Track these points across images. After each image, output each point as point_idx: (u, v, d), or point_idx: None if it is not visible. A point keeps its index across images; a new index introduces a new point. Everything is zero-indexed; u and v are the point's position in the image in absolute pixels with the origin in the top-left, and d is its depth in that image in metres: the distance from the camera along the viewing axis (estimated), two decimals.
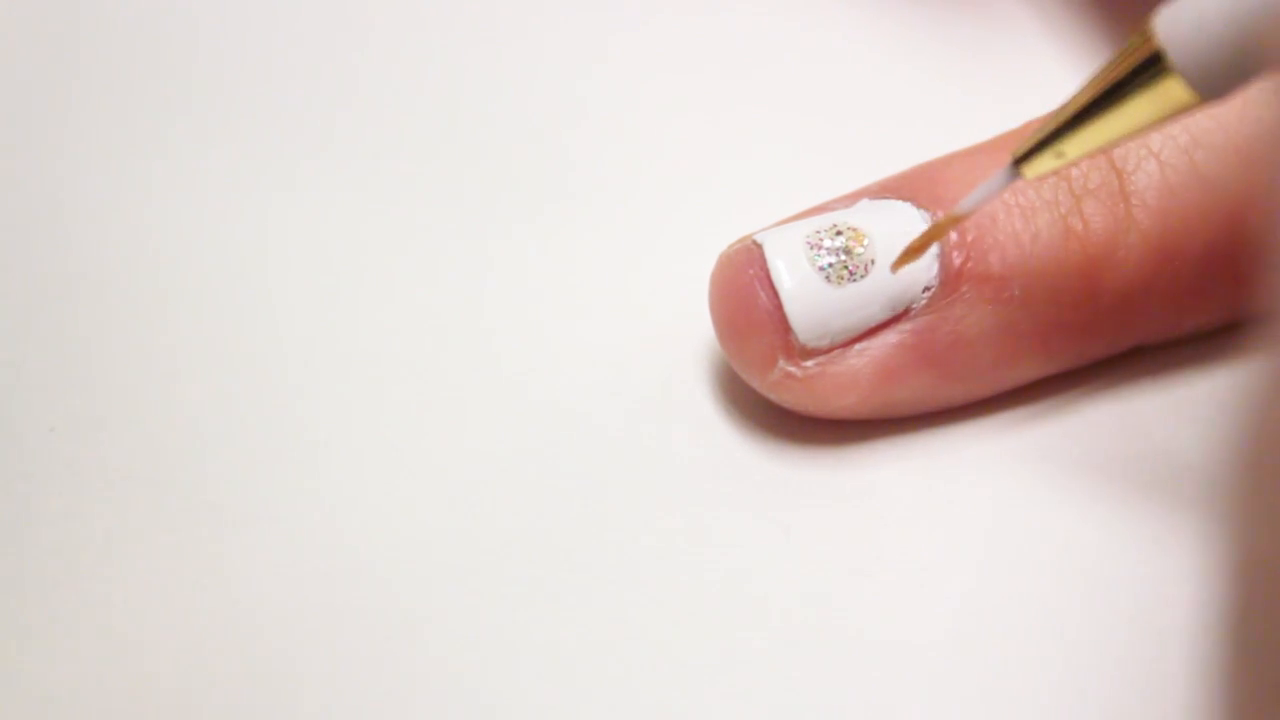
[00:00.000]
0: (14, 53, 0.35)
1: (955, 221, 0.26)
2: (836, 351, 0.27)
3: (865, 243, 0.27)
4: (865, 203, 0.27)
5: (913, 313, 0.27)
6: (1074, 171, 0.27)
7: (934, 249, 0.27)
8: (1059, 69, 0.33)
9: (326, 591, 0.26)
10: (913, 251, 0.26)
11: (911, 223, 0.27)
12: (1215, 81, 0.23)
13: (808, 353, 0.27)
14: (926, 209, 0.27)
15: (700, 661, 0.25)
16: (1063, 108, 0.24)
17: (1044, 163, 0.25)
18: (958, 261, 0.27)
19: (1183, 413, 0.28)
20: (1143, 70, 0.23)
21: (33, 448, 0.28)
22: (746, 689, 0.25)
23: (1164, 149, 0.27)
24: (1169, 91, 0.23)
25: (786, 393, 0.27)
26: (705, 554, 0.26)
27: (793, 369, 0.27)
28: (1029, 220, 0.27)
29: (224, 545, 0.26)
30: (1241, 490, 0.18)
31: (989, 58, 0.34)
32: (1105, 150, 0.25)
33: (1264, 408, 0.17)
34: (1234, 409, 0.18)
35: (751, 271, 0.27)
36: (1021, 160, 0.25)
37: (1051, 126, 0.25)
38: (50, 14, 0.35)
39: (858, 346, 0.27)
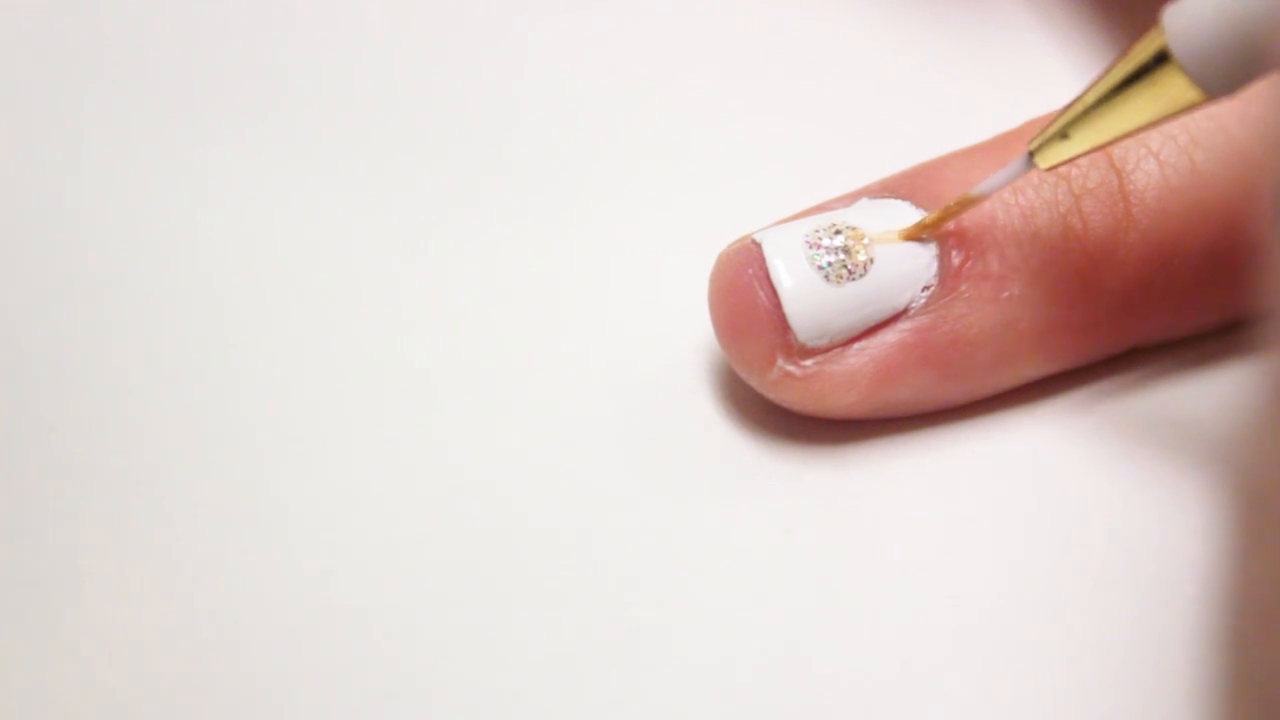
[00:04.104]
0: (14, 53, 0.35)
1: (970, 203, 0.26)
2: (836, 351, 0.27)
3: (865, 242, 0.27)
4: (865, 202, 0.27)
5: (912, 312, 0.27)
6: (1074, 171, 0.27)
7: (932, 248, 0.27)
8: (1059, 69, 0.33)
9: (326, 592, 0.26)
10: (923, 227, 0.27)
11: (911, 222, 0.27)
12: (1220, 79, 0.23)
13: (807, 352, 0.26)
14: (926, 208, 0.27)
15: (700, 661, 0.25)
16: (1076, 100, 0.25)
17: (1055, 152, 0.25)
18: (957, 260, 0.27)
19: (1183, 412, 0.28)
20: (1151, 66, 0.23)
21: (33, 448, 0.28)
22: (747, 688, 0.25)
23: (1164, 149, 0.27)
24: (1174, 88, 0.23)
25: (786, 392, 0.27)
26: (705, 554, 0.26)
27: (792, 368, 0.27)
28: (1029, 220, 0.27)
29: (223, 545, 0.26)
30: (1242, 508, 0.18)
31: (989, 57, 0.34)
32: (1114, 144, 0.25)
33: (1262, 417, 0.17)
34: (1235, 418, 0.18)
35: (751, 271, 0.27)
36: (1036, 150, 0.25)
37: (1065, 119, 0.25)
38: (50, 14, 0.35)
39: (857, 345, 0.27)
